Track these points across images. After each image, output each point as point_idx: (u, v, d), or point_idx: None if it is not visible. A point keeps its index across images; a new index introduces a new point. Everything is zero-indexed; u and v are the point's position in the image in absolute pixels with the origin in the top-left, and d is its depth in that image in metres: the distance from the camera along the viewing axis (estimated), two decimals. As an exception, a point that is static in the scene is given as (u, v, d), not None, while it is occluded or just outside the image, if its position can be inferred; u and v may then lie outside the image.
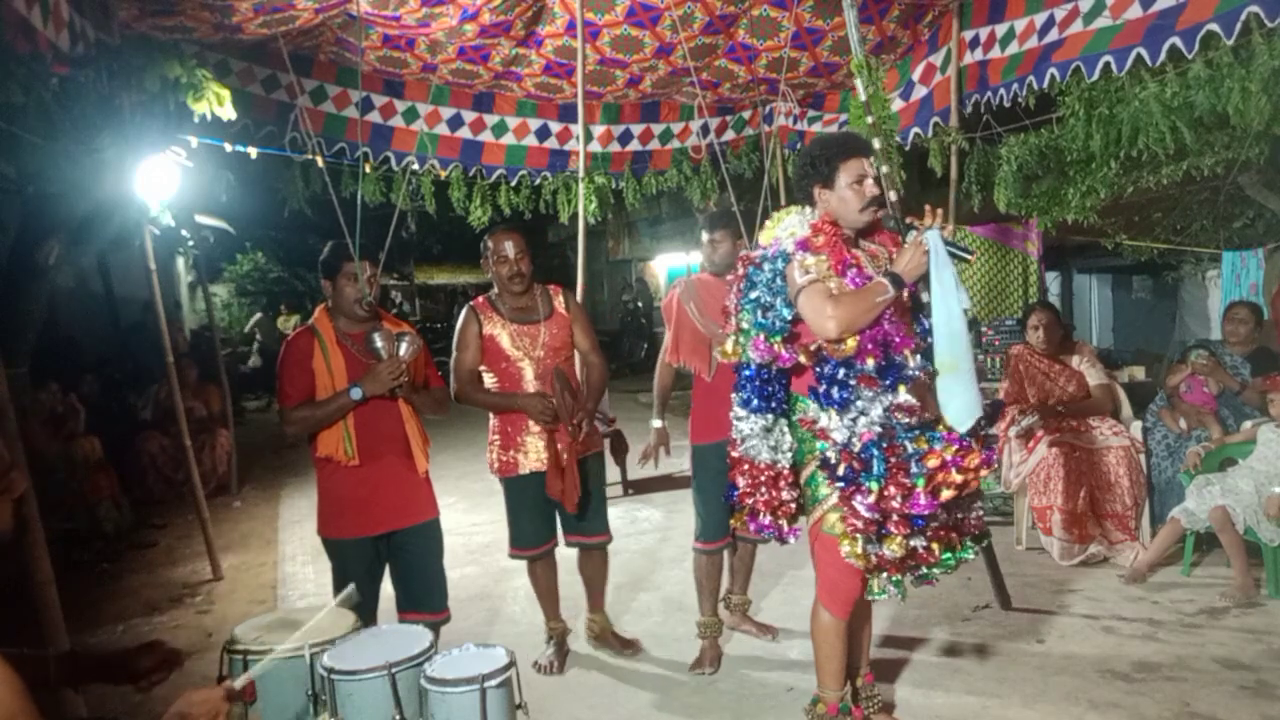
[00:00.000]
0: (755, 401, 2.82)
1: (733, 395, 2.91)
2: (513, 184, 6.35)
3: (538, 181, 6.46)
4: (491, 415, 3.73)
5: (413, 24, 4.79)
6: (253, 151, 5.36)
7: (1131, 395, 5.41)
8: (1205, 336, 7.19)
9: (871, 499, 2.54)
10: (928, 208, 2.72)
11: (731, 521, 3.08)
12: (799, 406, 2.79)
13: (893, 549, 2.58)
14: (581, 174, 5.40)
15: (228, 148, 5.34)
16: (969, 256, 2.76)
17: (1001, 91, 5.04)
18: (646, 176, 6.67)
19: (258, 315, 15.37)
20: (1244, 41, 3.82)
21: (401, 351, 3.15)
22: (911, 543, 2.60)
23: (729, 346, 2.85)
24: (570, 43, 5.12)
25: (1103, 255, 9.01)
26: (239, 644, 2.56)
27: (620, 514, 6.26)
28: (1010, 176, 5.41)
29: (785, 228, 2.81)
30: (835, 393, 2.60)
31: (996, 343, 6.38)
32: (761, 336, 2.70)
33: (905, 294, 2.71)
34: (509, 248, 3.61)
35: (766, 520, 2.89)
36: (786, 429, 2.85)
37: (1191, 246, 7.40)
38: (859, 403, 2.56)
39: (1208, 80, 4.06)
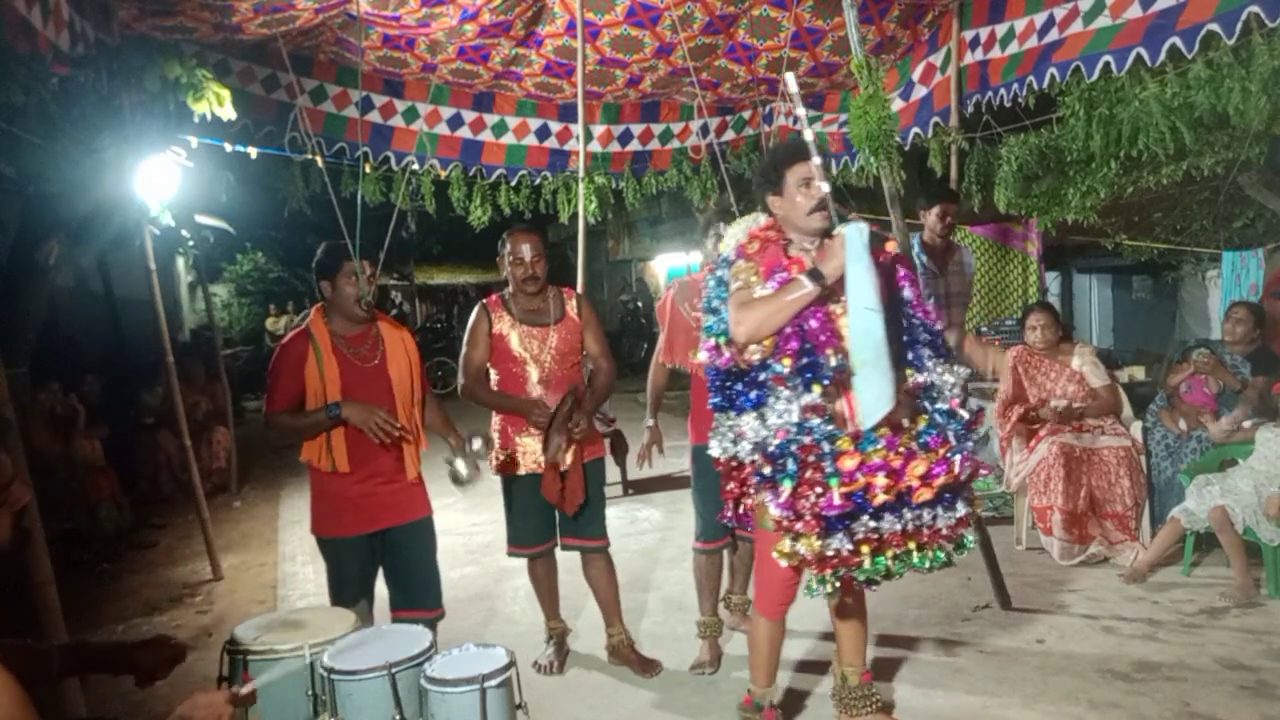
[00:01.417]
0: (716, 399, 2.85)
1: None
2: (513, 184, 6.35)
3: (538, 181, 6.47)
4: (494, 416, 3.73)
5: (413, 24, 4.79)
6: (253, 151, 5.37)
7: (1131, 395, 5.41)
8: (1205, 336, 7.20)
9: (783, 497, 2.57)
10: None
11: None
12: None
13: (806, 547, 2.58)
14: (581, 174, 5.41)
15: (228, 148, 5.34)
16: (887, 244, 2.75)
17: (1002, 91, 5.04)
18: (646, 176, 6.67)
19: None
20: (1244, 41, 3.83)
21: (479, 463, 3.34)
22: (830, 543, 2.57)
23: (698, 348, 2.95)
24: (570, 43, 5.12)
25: (1103, 255, 9.03)
26: (239, 644, 2.56)
27: (620, 514, 6.26)
28: (1010, 176, 5.41)
29: (732, 234, 2.90)
30: (752, 394, 2.66)
31: (996, 343, 6.37)
32: (710, 339, 2.78)
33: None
34: (526, 250, 3.61)
35: (728, 511, 3.03)
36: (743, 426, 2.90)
37: (1191, 246, 7.41)
38: (777, 404, 2.60)
39: (1208, 80, 4.06)
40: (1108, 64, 4.22)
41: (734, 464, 2.86)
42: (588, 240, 5.27)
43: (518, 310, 3.67)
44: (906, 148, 5.79)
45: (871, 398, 2.56)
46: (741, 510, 3.00)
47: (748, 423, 2.67)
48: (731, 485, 2.96)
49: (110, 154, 4.43)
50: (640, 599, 4.57)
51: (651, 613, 4.43)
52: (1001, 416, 5.33)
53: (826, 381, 2.58)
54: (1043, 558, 4.88)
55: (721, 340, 2.76)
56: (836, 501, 2.52)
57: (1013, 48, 4.92)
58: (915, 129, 5.78)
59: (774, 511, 2.61)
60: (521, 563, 3.85)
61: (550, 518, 3.76)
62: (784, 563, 2.66)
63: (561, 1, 4.85)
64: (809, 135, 2.67)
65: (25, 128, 3.92)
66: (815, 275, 2.61)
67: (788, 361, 2.61)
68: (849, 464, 2.54)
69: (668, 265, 17.90)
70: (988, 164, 5.65)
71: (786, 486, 2.58)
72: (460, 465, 3.29)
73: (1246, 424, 4.61)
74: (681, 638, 3.99)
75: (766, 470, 2.65)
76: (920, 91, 5.74)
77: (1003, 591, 4.19)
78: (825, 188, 2.67)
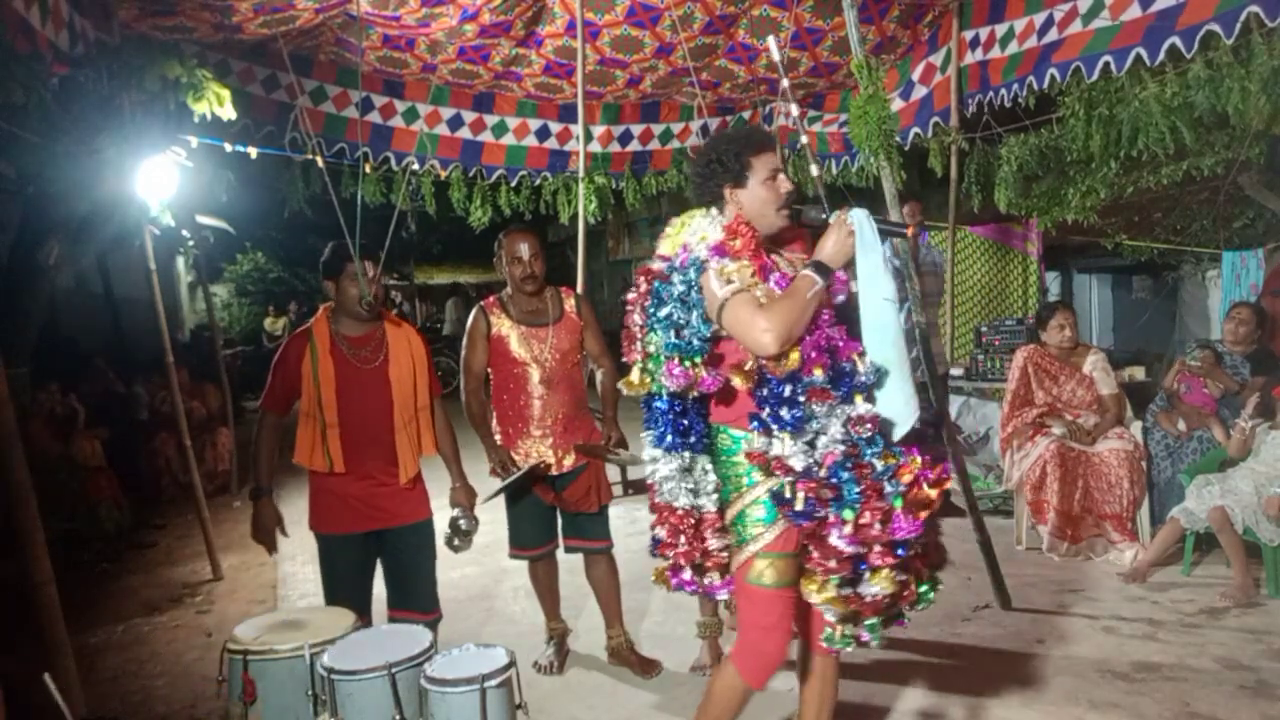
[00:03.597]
0: (671, 438, 2.38)
1: (644, 433, 2.46)
2: (513, 184, 6.36)
3: (538, 182, 6.48)
4: (493, 415, 3.74)
5: (413, 24, 4.79)
6: (253, 151, 5.37)
7: (1131, 395, 5.41)
8: (1205, 336, 7.19)
9: (849, 529, 2.19)
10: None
11: (652, 577, 2.56)
12: (725, 439, 2.41)
13: (881, 584, 2.22)
14: (581, 174, 5.41)
15: (228, 148, 5.34)
16: (905, 231, 2.48)
17: (1002, 92, 5.04)
18: (646, 176, 6.68)
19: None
20: (1244, 41, 3.83)
21: (471, 538, 3.44)
22: (899, 576, 2.24)
23: (634, 376, 2.37)
24: (570, 43, 5.12)
25: (1103, 255, 9.02)
26: (239, 644, 2.56)
27: (620, 514, 6.25)
28: (1010, 176, 5.41)
29: (694, 232, 2.40)
30: (786, 414, 2.22)
31: (996, 343, 6.37)
32: (676, 360, 2.26)
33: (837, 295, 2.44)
34: (524, 249, 3.62)
35: (688, 576, 2.45)
36: (709, 467, 2.44)
37: (1191, 246, 7.41)
38: (814, 422, 2.22)
39: (1208, 80, 4.06)
40: (1107, 64, 4.22)
41: (695, 517, 2.40)
42: (588, 240, 5.26)
43: (516, 311, 3.66)
44: (906, 148, 5.79)
45: (901, 403, 2.30)
46: (706, 573, 2.46)
47: (788, 448, 2.23)
48: (692, 545, 2.40)
49: (110, 154, 4.44)
50: (640, 599, 4.57)
51: (652, 613, 4.42)
52: (1008, 416, 5.31)
53: (864, 390, 2.25)
54: (1043, 558, 4.88)
55: (694, 361, 2.27)
56: (905, 524, 2.20)
57: (1012, 48, 4.92)
58: (915, 129, 5.78)
59: (844, 549, 2.20)
60: (521, 563, 3.85)
61: (551, 520, 3.76)
62: (837, 612, 2.27)
63: (561, 1, 4.85)
64: (794, 111, 2.51)
65: (25, 128, 3.92)
66: (821, 268, 2.30)
67: (820, 371, 2.23)
68: (907, 478, 2.22)
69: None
70: (988, 164, 5.66)
71: (849, 516, 2.19)
72: (455, 539, 3.41)
73: (1246, 426, 4.61)
74: (681, 638, 3.99)
75: (801, 504, 2.22)
76: (920, 91, 5.74)
77: (1003, 591, 4.19)
78: (815, 170, 2.49)
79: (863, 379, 2.27)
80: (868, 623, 2.30)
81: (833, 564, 2.23)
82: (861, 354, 2.30)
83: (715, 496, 2.42)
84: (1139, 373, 6.40)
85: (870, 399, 2.28)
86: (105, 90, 4.14)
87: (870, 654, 3.74)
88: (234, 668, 2.53)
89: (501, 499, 3.76)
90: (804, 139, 2.58)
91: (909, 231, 2.55)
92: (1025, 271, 7.76)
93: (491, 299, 3.74)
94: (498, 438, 3.70)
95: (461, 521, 3.41)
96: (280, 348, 3.29)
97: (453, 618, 3.51)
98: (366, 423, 3.19)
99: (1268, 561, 4.25)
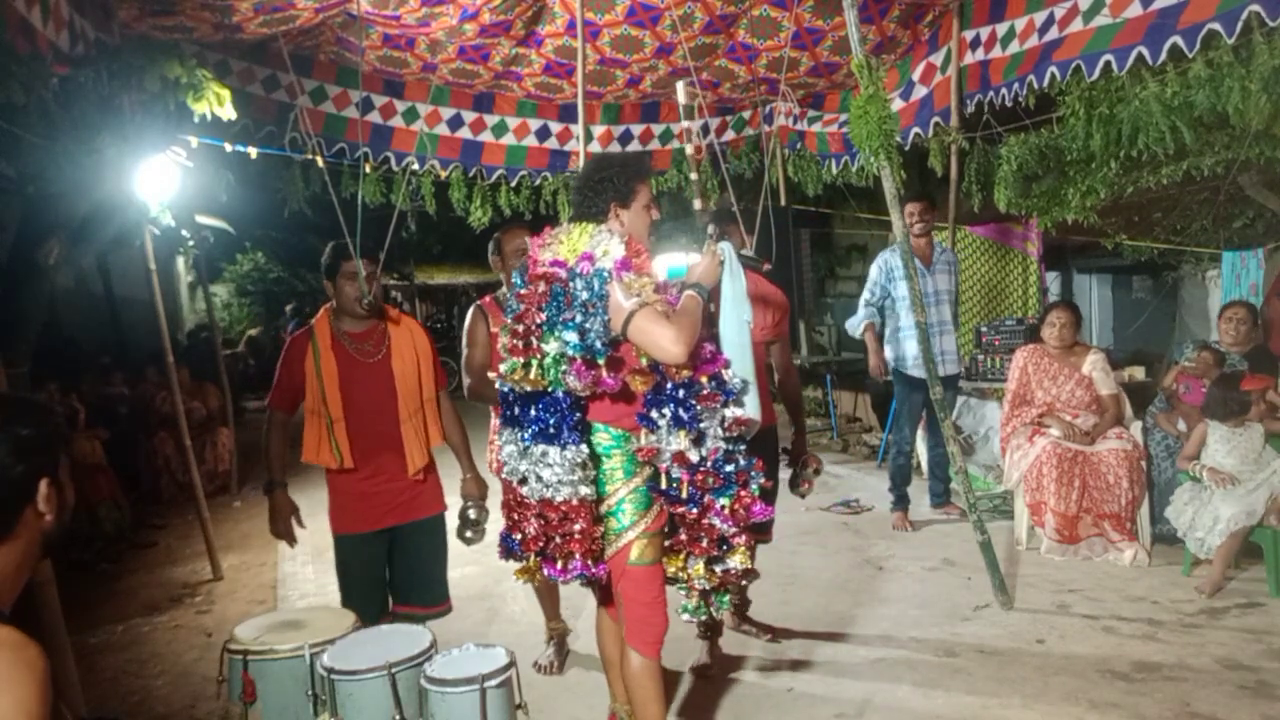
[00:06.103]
0: (566, 434, 2.48)
1: (522, 433, 2.54)
2: (513, 184, 6.37)
3: (538, 182, 6.48)
4: (493, 415, 3.74)
5: (413, 24, 4.79)
6: (253, 151, 5.37)
7: (1131, 395, 5.41)
8: (1205, 336, 7.20)
9: (726, 512, 2.59)
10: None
11: (516, 573, 2.67)
12: (604, 436, 2.59)
13: (740, 560, 2.64)
14: (581, 174, 5.41)
15: (228, 148, 5.35)
16: (761, 265, 2.90)
17: (1002, 91, 5.04)
18: (646, 177, 6.69)
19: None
20: (1244, 41, 3.83)
21: (482, 529, 3.47)
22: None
23: (531, 373, 2.48)
24: (570, 42, 5.12)
25: (1103, 255, 9.03)
26: (239, 644, 2.56)
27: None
28: (1010, 176, 5.41)
29: (597, 244, 2.55)
30: (684, 414, 2.51)
31: (996, 343, 6.37)
32: (580, 361, 2.42)
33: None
34: (526, 242, 3.63)
35: (577, 563, 2.51)
36: (590, 459, 2.55)
37: (1191, 246, 7.41)
38: (702, 422, 2.56)
39: (1208, 80, 4.06)
40: (1108, 63, 4.23)
41: (587, 506, 2.52)
42: (588, 240, 5.26)
43: None
44: (906, 148, 5.79)
45: (754, 409, 2.74)
46: (589, 557, 2.55)
47: (684, 444, 2.51)
48: (587, 528, 2.51)
49: (110, 154, 4.43)
50: (640, 599, 4.57)
51: (651, 613, 4.42)
52: (1008, 416, 5.31)
53: (733, 396, 2.63)
54: (1043, 558, 4.88)
55: (599, 362, 2.44)
56: (759, 509, 2.63)
57: (1013, 47, 4.92)
58: (915, 129, 5.79)
59: (720, 527, 2.59)
60: (522, 563, 3.85)
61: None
62: (708, 586, 2.68)
63: (561, 1, 4.85)
64: (689, 149, 2.82)
65: (25, 128, 3.91)
66: (702, 290, 2.65)
67: (705, 379, 2.56)
68: (757, 474, 2.65)
69: (668, 265, 17.88)
70: (988, 164, 5.66)
71: (726, 503, 2.59)
72: (466, 530, 3.43)
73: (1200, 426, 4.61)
74: (681, 637, 3.97)
75: (685, 492, 2.56)
76: (920, 91, 5.74)
77: (1003, 591, 4.19)
78: (697, 205, 2.90)
79: (734, 385, 2.65)
80: (720, 595, 2.72)
81: (704, 543, 2.61)
82: (727, 365, 2.67)
83: (594, 486, 2.56)
84: (1139, 373, 6.40)
85: (740, 404, 2.66)
86: (105, 90, 4.14)
87: (871, 653, 3.76)
88: (234, 668, 2.53)
89: (501, 499, 3.75)
90: (694, 176, 3.09)
91: (764, 267, 2.94)
92: (1025, 271, 7.75)
93: (489, 299, 3.75)
94: (496, 437, 3.70)
95: (471, 511, 3.41)
96: (285, 346, 3.33)
97: (452, 617, 3.51)
98: (371, 416, 3.21)
99: (1268, 562, 4.25)
